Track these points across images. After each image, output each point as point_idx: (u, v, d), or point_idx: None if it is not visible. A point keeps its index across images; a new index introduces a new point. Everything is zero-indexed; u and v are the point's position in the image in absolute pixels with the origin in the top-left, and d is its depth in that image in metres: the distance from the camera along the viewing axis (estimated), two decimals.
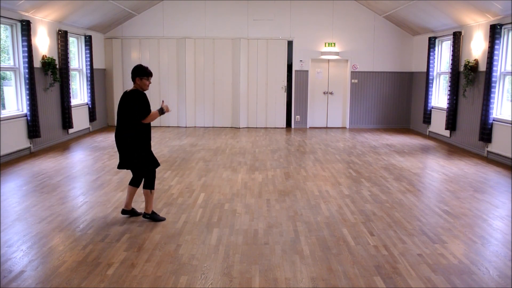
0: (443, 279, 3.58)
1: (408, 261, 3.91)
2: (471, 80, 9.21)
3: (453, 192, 6.18)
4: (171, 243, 4.26)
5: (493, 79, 8.28)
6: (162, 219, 4.92)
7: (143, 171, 4.87)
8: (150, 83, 4.80)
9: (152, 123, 12.58)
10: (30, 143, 8.62)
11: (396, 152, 9.12)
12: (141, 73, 4.71)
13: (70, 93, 10.07)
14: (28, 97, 8.39)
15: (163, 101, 5.36)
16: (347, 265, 3.82)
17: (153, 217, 4.90)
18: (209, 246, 4.21)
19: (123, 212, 5.02)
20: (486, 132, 8.47)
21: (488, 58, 8.33)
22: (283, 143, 10.27)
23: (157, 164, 4.93)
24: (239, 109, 12.69)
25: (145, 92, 4.79)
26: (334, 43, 12.69)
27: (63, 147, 9.39)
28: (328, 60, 12.92)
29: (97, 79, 11.93)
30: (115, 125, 4.96)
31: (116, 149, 8.62)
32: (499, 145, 8.26)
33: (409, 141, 10.60)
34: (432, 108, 11.27)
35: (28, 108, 8.43)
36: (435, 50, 11.10)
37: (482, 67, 8.88)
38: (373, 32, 12.66)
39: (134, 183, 4.96)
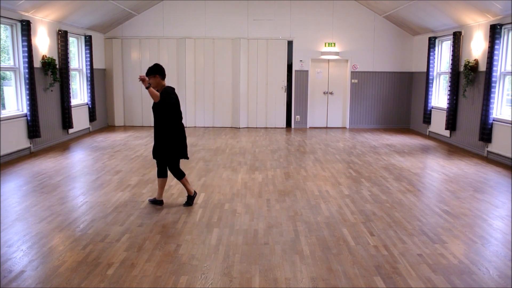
0: (443, 279, 3.58)
1: (408, 261, 3.91)
2: (471, 80, 9.21)
3: (453, 192, 6.18)
4: (171, 243, 4.26)
5: (493, 79, 8.28)
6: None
7: None
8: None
9: (149, 122, 12.68)
10: (30, 143, 8.62)
11: (396, 152, 9.12)
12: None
13: (70, 93, 10.07)
14: (28, 97, 8.39)
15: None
16: (347, 265, 3.81)
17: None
18: (209, 246, 4.21)
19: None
20: (486, 132, 8.47)
21: (488, 58, 8.33)
22: (283, 143, 10.27)
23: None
24: (239, 109, 12.69)
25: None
26: (334, 43, 12.69)
27: (63, 147, 9.39)
28: (328, 60, 12.91)
29: (97, 79, 11.93)
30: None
31: (116, 149, 8.65)
32: (499, 145, 8.26)
33: (409, 141, 10.60)
34: (432, 108, 11.27)
35: (28, 108, 8.43)
36: (435, 50, 11.10)
37: (482, 67, 8.88)
38: (373, 32, 12.66)
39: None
